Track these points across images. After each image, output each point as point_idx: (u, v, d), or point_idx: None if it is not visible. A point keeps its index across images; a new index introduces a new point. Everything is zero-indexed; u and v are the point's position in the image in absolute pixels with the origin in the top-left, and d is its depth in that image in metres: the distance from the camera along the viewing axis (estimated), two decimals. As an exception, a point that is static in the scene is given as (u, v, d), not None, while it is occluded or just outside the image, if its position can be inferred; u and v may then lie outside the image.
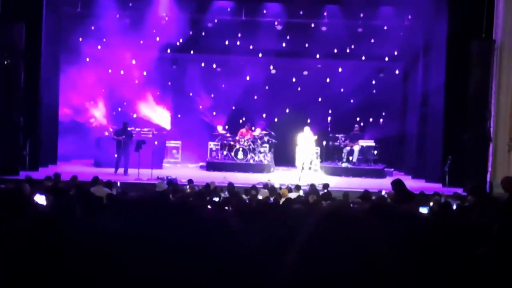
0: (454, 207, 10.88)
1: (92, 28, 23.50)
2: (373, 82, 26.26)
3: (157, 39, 24.11)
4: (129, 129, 22.07)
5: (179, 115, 26.22)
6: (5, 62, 19.19)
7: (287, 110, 26.42)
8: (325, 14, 24.29)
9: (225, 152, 24.05)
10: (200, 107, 26.46)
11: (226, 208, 9.68)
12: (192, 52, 25.76)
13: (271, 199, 13.86)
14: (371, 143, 24.45)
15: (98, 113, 24.89)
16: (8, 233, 2.11)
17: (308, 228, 2.05)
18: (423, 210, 9.71)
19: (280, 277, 1.86)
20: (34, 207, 6.23)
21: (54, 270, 1.81)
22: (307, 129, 22.02)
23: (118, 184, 16.75)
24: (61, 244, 1.87)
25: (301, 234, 2.03)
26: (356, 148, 23.93)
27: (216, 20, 24.44)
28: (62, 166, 21.75)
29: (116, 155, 21.71)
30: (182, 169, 23.92)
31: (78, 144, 23.39)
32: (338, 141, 24.35)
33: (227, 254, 1.66)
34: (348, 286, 1.90)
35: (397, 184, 12.66)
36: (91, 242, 1.79)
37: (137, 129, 23.09)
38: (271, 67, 26.38)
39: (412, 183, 21.10)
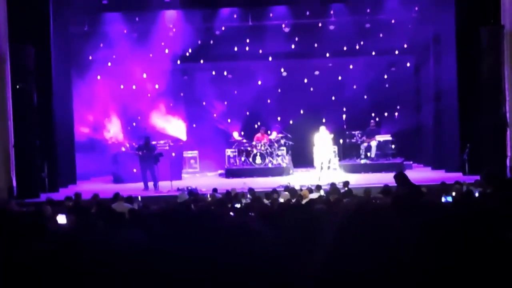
0: (477, 194, 10.79)
1: (101, 45, 23.57)
2: (385, 76, 26.22)
3: (166, 51, 24.17)
4: (153, 143, 21.99)
5: (194, 125, 26.24)
6: (17, 86, 19.27)
7: (302, 111, 26.40)
8: (331, 12, 24.20)
9: (243, 158, 24.03)
10: (215, 115, 26.50)
11: (249, 213, 9.66)
12: (202, 61, 25.83)
13: (293, 201, 13.82)
14: (388, 137, 24.41)
15: (114, 129, 24.97)
16: (28, 255, 2.10)
17: (332, 227, 2.04)
18: (447, 199, 9.64)
19: (306, 277, 1.85)
20: (56, 228, 6.25)
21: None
22: (323, 128, 21.98)
23: (139, 198, 16.78)
24: (82, 262, 1.86)
25: (325, 234, 2.02)
26: (374, 143, 23.85)
27: (223, 28, 24.45)
28: (81, 185, 21.84)
29: (135, 170, 21.80)
30: (202, 178, 23.96)
31: (96, 162, 23.44)
32: (355, 138, 24.28)
33: (250, 258, 1.64)
34: (376, 281, 1.88)
35: (399, 178, 12.06)
36: (113, 257, 1.77)
37: (153, 142, 23.07)
38: (282, 70, 26.38)
39: (432, 174, 21.10)
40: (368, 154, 23.86)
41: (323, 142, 21.66)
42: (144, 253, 1.70)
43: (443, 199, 9.77)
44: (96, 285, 1.75)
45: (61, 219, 7.68)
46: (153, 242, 1.71)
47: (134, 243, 1.75)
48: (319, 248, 2.00)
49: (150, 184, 20.65)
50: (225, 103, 26.42)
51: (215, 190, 17.26)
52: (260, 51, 25.08)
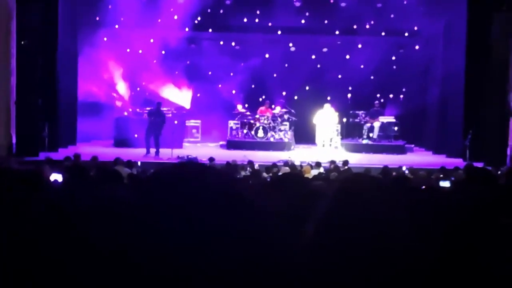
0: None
1: (109, 7, 23.35)
2: (393, 58, 26.10)
3: (175, 17, 24.00)
4: (162, 109, 21.94)
5: (198, 94, 26.17)
6: (22, 42, 19.14)
7: (307, 88, 26.32)
8: (344, -11, 24.04)
9: (245, 131, 23.98)
10: (220, 85, 26.38)
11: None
12: (210, 30, 25.66)
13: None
14: (391, 119, 24.36)
15: (118, 93, 24.93)
16: (25, 213, 2.08)
17: (327, 199, 2.02)
18: (445, 184, 9.62)
19: (297, 248, 1.83)
20: (51, 185, 6.23)
21: (70, 247, 1.78)
22: (327, 106, 21.95)
23: (139, 163, 16.81)
24: (77, 216, 1.84)
25: (320, 205, 2.00)
26: (377, 124, 23.79)
27: (234, -3, 24.28)
28: (81, 147, 21.81)
29: (136, 136, 21.81)
30: (202, 148, 23.94)
31: (98, 125, 23.37)
32: (358, 117, 24.21)
33: (239, 224, 1.62)
34: (366, 255, 1.86)
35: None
36: (106, 214, 1.75)
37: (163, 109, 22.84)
38: (290, 44, 26.25)
39: (433, 159, 21.11)
40: (371, 134, 23.81)
41: (326, 119, 21.61)
42: (137, 212, 1.67)
43: (441, 183, 9.74)
44: (88, 238, 1.73)
45: (56, 177, 7.65)
46: (147, 201, 1.68)
47: (129, 201, 1.73)
48: (312, 221, 1.98)
49: (152, 150, 20.65)
50: (231, 74, 26.29)
51: (211, 159, 17.24)
52: (270, 24, 24.92)
